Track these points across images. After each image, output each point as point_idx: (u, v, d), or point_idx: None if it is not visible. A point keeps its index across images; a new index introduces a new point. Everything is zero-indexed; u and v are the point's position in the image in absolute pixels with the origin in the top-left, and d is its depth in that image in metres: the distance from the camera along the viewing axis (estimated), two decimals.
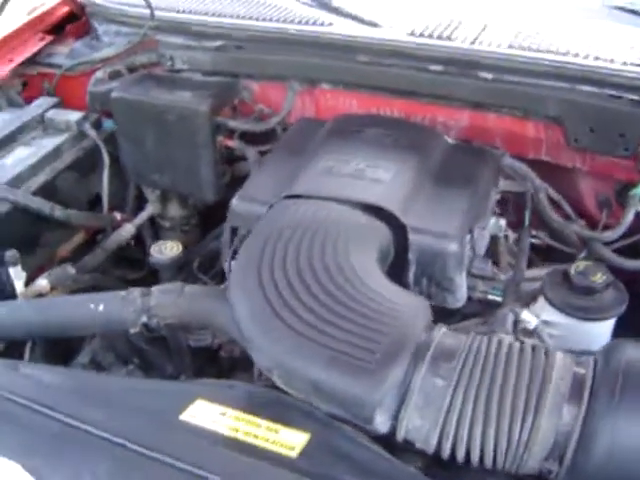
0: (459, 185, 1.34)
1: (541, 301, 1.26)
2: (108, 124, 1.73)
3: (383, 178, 1.30)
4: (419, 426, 0.96)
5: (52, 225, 1.58)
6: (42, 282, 1.48)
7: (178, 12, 1.66)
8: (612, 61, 1.34)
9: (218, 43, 1.60)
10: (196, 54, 1.63)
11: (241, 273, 1.15)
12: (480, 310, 1.30)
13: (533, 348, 0.99)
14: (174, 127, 1.58)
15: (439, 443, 0.95)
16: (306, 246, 1.15)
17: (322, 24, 1.55)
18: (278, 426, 1.06)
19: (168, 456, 0.93)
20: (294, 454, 1.01)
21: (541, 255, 1.55)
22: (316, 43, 1.53)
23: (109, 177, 1.70)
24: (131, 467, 0.93)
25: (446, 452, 0.96)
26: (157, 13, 1.62)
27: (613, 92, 1.33)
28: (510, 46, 1.41)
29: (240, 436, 1.04)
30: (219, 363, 1.56)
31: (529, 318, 1.13)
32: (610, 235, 1.42)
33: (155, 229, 1.91)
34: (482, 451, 0.94)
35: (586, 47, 1.39)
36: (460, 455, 0.95)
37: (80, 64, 1.82)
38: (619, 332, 1.27)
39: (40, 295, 1.47)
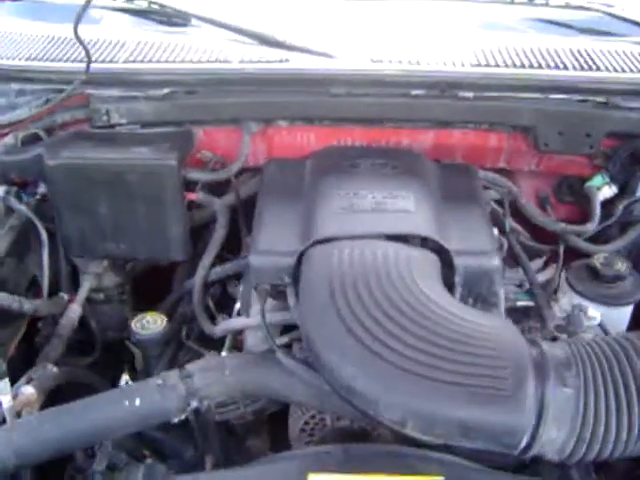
0: (468, 203, 1.37)
1: (567, 296, 1.34)
2: None
3: (407, 207, 1.29)
4: (554, 437, 0.97)
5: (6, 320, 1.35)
6: (28, 390, 1.25)
7: (112, 62, 1.49)
8: (575, 69, 1.46)
9: (165, 90, 1.47)
10: (138, 105, 1.48)
11: (326, 335, 1.07)
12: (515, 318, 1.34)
13: (631, 342, 1.05)
14: (136, 187, 1.42)
15: (574, 448, 0.98)
16: (377, 288, 1.10)
17: (280, 61, 1.49)
18: (409, 478, 1.02)
19: None
20: None
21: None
22: (281, 80, 1.47)
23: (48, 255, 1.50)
24: None
25: (578, 456, 0.98)
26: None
27: (580, 97, 1.45)
28: (478, 64, 1.47)
29: None
30: (233, 432, 1.45)
31: (594, 314, 1.19)
32: (590, 227, 1.54)
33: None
34: (614, 446, 0.98)
35: (547, 58, 1.50)
36: (591, 455, 0.98)
37: None
38: None
39: (29, 405, 1.25)
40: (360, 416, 1.16)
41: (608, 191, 1.56)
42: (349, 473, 1.03)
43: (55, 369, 1.32)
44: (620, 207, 1.54)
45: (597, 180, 1.56)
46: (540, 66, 1.47)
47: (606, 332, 1.23)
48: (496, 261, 1.24)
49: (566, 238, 1.56)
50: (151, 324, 1.43)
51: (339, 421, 1.31)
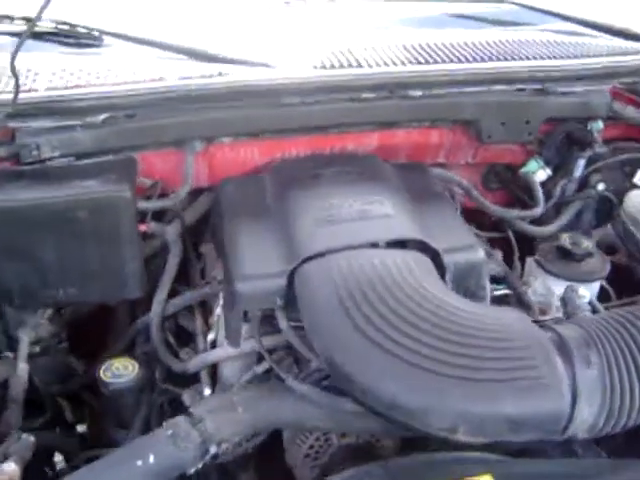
0: (436, 200, 1.38)
1: (540, 279, 1.39)
2: None
3: (387, 212, 1.27)
4: (586, 417, 1.00)
5: None
6: (10, 467, 1.10)
7: (32, 91, 1.34)
8: (508, 59, 1.51)
9: (104, 116, 1.34)
10: (73, 135, 1.34)
11: (354, 354, 1.03)
12: None
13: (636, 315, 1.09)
14: (85, 225, 1.29)
15: (604, 425, 1.01)
16: (390, 296, 1.08)
17: (219, 74, 1.40)
18: None
19: None
20: None
21: None
22: (226, 95, 1.38)
23: None
24: None
25: (606, 431, 1.02)
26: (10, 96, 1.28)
27: (520, 86, 1.49)
28: (418, 62, 1.47)
29: None
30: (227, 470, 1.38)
31: (584, 293, 1.24)
32: (538, 211, 1.59)
33: None
34: (637, 416, 1.02)
35: (481, 51, 1.53)
36: (618, 428, 1.02)
37: None
38: None
39: None
40: (378, 430, 1.14)
41: (543, 174, 1.63)
42: None
43: (32, 438, 1.18)
44: (558, 188, 1.62)
45: (532, 165, 1.63)
46: (475, 60, 1.50)
47: (595, 309, 1.28)
48: (482, 254, 1.26)
49: (513, 224, 1.61)
50: (122, 371, 1.32)
51: (344, 438, 1.27)
